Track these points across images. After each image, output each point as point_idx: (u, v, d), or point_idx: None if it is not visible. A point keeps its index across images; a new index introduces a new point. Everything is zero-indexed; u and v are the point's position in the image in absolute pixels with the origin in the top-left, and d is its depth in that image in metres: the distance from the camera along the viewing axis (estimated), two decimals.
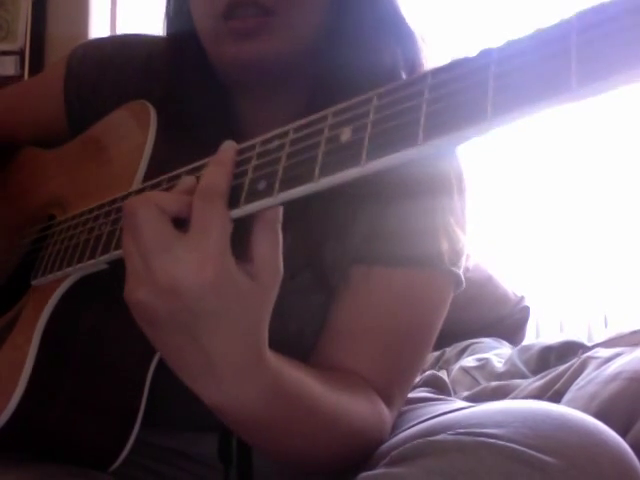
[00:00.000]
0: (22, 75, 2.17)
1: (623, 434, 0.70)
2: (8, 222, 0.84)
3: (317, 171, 0.42)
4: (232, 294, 0.45)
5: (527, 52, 0.34)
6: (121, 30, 2.25)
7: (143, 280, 0.46)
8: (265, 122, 0.72)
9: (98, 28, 2.15)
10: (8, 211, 0.85)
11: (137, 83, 0.77)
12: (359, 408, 0.61)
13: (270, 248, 0.47)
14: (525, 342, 1.74)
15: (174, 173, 0.53)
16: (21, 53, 2.21)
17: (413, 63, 0.71)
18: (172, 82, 0.73)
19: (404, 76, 0.70)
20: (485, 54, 0.36)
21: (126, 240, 0.48)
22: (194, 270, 0.44)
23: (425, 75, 0.39)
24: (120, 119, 0.73)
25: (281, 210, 0.47)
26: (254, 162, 0.46)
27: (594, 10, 0.32)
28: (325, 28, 0.68)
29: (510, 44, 0.36)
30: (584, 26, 0.32)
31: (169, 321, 0.46)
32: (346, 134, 0.41)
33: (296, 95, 0.72)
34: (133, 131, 0.69)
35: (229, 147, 0.48)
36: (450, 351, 1.70)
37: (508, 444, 0.50)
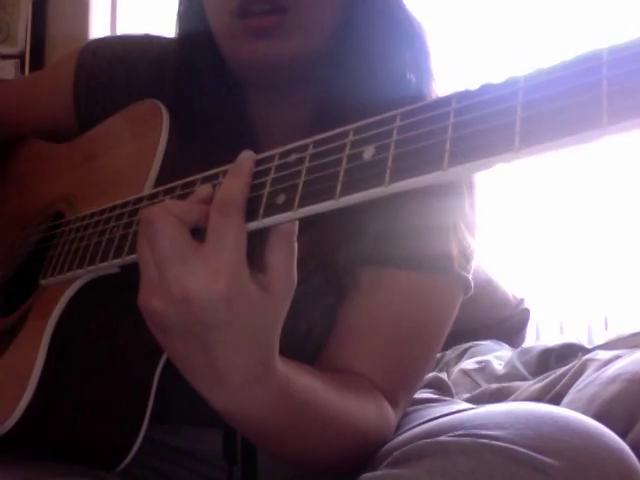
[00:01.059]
0: None
1: (623, 435, 0.70)
2: (12, 217, 0.83)
3: (339, 188, 0.41)
4: (244, 307, 0.46)
5: (556, 83, 0.34)
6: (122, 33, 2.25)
7: (157, 289, 0.46)
8: (277, 123, 0.73)
9: (98, 32, 2.15)
10: (12, 206, 0.84)
11: (148, 83, 0.77)
12: (365, 411, 0.61)
13: (285, 260, 0.47)
14: (525, 344, 1.75)
15: (189, 179, 0.53)
16: (21, 56, 2.21)
17: (422, 66, 0.71)
18: (184, 81, 0.73)
19: (413, 79, 0.71)
20: (512, 81, 0.36)
21: (142, 248, 0.48)
22: (207, 282, 0.44)
23: (449, 98, 0.39)
24: (131, 117, 0.73)
25: (297, 223, 0.47)
26: (272, 175, 0.46)
27: (625, 46, 0.32)
28: (337, 30, 0.69)
29: (537, 73, 0.35)
30: (615, 60, 0.32)
31: (180, 330, 0.46)
32: (369, 152, 0.41)
33: (308, 96, 0.72)
34: (144, 130, 0.68)
35: (247, 158, 0.48)
36: (450, 353, 1.70)
37: (510, 446, 0.51)
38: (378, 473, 0.56)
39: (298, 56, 0.66)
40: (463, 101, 0.38)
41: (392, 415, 0.65)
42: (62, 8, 2.18)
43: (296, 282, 0.48)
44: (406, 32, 0.71)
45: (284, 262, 0.47)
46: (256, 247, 0.47)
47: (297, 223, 0.47)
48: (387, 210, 0.68)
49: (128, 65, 0.79)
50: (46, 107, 0.86)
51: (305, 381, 0.55)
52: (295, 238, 0.47)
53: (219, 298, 0.44)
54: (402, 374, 0.68)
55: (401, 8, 0.71)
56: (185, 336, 0.47)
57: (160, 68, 0.77)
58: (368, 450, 0.62)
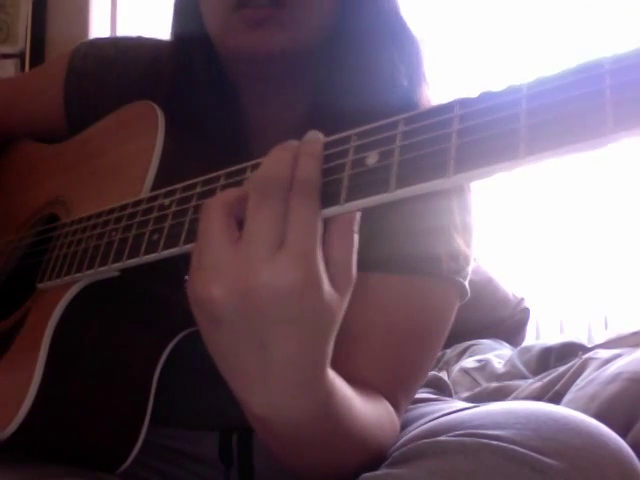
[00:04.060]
0: None
1: (623, 435, 0.70)
2: (4, 219, 0.82)
3: (343, 194, 0.40)
4: (314, 302, 0.41)
5: (558, 91, 0.34)
6: (121, 34, 2.25)
7: (224, 274, 0.41)
8: (271, 124, 0.73)
9: (98, 31, 2.15)
10: (4, 207, 0.84)
11: (141, 85, 0.77)
12: (381, 420, 0.60)
13: (347, 253, 0.43)
14: (525, 343, 1.75)
15: (189, 182, 0.51)
16: (21, 56, 2.21)
17: (413, 70, 0.71)
18: (178, 81, 0.73)
19: (404, 82, 0.70)
20: (514, 89, 0.36)
21: (211, 228, 0.42)
22: (285, 269, 0.40)
23: (452, 104, 0.38)
24: (125, 119, 0.72)
25: (359, 213, 0.43)
26: None
27: (628, 55, 0.32)
28: (330, 29, 0.69)
29: (539, 80, 0.35)
30: (618, 69, 0.32)
31: (237, 323, 0.41)
32: (373, 158, 0.40)
33: (301, 97, 0.72)
34: (140, 132, 0.68)
35: (316, 139, 0.44)
36: (450, 352, 1.71)
37: (510, 446, 0.50)
38: (378, 473, 0.55)
39: (291, 49, 0.66)
40: (466, 108, 0.38)
41: (397, 422, 0.64)
42: (62, 8, 2.18)
43: (355, 278, 0.44)
44: (398, 36, 0.71)
45: (346, 255, 0.43)
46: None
47: (359, 214, 0.43)
48: (371, 214, 0.67)
49: (120, 68, 0.79)
50: (36, 108, 0.85)
51: (345, 393, 0.51)
52: (356, 229, 0.43)
53: (293, 289, 0.40)
54: (401, 377, 0.67)
55: (395, 12, 0.71)
56: (241, 331, 0.42)
57: (153, 70, 0.77)
58: (380, 459, 0.59)
